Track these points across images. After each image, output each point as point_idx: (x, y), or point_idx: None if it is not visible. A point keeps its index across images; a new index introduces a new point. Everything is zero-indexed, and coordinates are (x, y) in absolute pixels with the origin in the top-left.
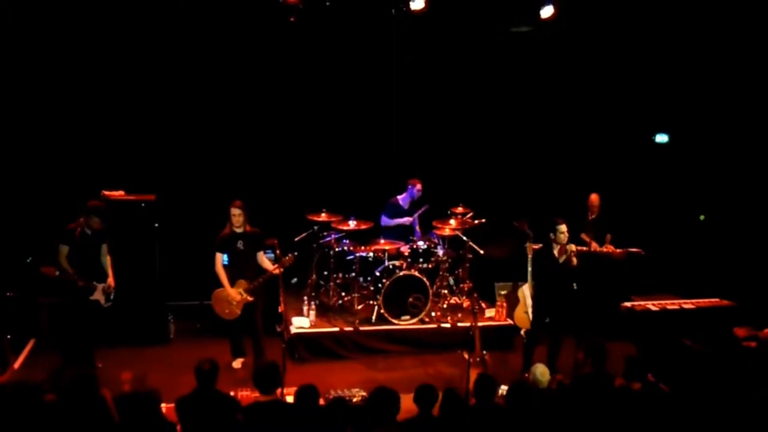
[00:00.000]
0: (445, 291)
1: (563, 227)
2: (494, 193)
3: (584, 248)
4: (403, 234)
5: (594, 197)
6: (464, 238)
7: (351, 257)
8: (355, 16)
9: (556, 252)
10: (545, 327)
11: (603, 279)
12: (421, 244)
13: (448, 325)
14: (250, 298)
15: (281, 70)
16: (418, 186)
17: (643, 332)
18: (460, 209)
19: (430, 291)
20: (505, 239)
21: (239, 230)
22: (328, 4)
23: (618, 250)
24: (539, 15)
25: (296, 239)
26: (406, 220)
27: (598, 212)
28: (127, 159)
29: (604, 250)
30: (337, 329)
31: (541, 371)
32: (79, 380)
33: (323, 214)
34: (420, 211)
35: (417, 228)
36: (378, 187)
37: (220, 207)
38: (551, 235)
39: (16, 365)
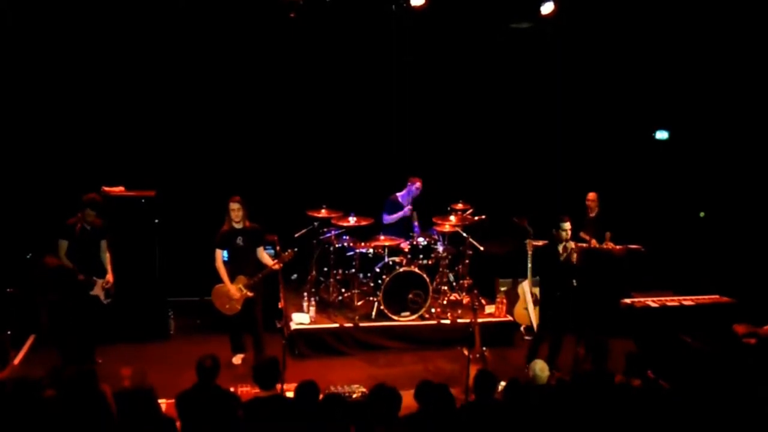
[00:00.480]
0: (445, 287)
1: (566, 225)
2: (494, 190)
3: (584, 245)
4: (404, 230)
5: (592, 195)
6: (464, 234)
7: (351, 253)
8: (355, 12)
9: (560, 248)
10: (549, 323)
11: (603, 276)
12: (421, 241)
13: (447, 322)
14: (250, 294)
15: (281, 67)
16: (417, 184)
17: (642, 329)
18: (460, 206)
19: (430, 287)
20: (505, 236)
21: (238, 226)
22: (328, 0)
23: (618, 247)
24: (539, 11)
25: (296, 235)
26: (405, 210)
27: (597, 210)
28: (127, 155)
29: (604, 247)
30: (337, 325)
31: (541, 367)
32: (79, 376)
33: (323, 211)
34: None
35: (416, 223)
36: (378, 184)
37: (220, 203)
38: (554, 231)
39: (16, 361)
